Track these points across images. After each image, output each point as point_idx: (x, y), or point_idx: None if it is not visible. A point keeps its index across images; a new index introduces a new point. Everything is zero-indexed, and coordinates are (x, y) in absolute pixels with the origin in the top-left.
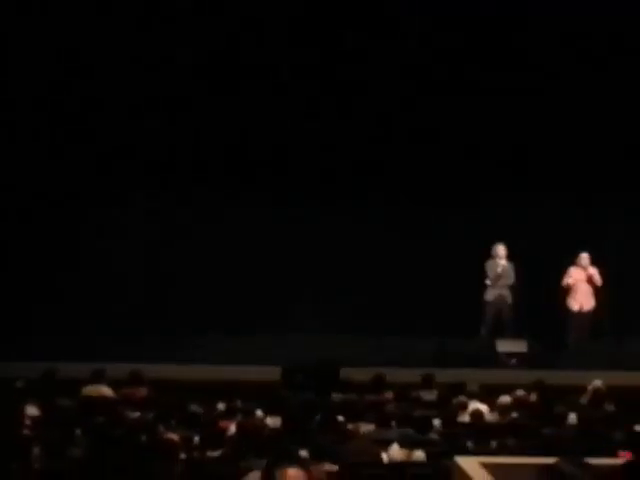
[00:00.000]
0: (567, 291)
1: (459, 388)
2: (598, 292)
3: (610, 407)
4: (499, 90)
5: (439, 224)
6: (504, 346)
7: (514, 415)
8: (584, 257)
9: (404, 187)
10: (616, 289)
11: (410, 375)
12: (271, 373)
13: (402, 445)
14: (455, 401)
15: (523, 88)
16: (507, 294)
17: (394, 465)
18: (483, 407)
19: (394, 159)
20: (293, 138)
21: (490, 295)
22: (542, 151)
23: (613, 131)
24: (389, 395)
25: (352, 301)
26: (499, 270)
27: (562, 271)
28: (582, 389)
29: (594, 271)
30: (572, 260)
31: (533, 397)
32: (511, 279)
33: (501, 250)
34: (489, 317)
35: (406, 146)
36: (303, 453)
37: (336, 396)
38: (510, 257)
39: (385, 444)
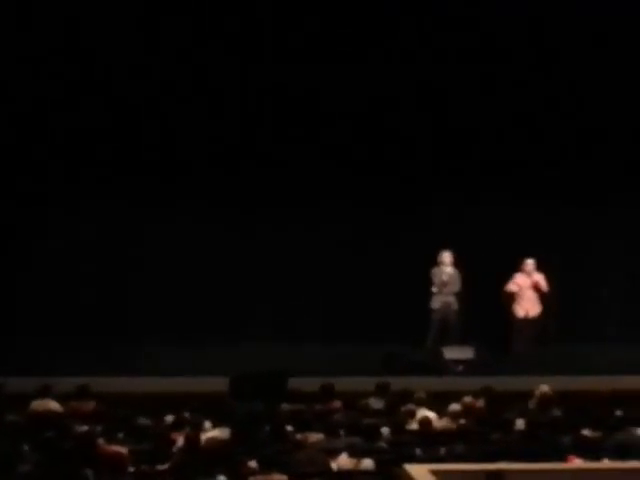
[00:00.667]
0: (512, 297)
1: (407, 396)
2: (544, 298)
3: (557, 412)
4: (440, 94)
5: (385, 232)
6: (451, 353)
7: (462, 422)
8: (529, 263)
9: (353, 196)
10: (561, 294)
11: (358, 384)
12: (220, 384)
13: (350, 454)
14: (403, 409)
15: (466, 87)
16: (453, 301)
17: (343, 474)
18: (431, 414)
19: (340, 167)
20: (242, 148)
21: (436, 302)
22: (486, 158)
23: (558, 135)
24: (337, 404)
25: (301, 310)
26: (445, 277)
27: (508, 277)
28: (529, 394)
29: (540, 277)
30: (518, 266)
31: (480, 403)
32: (457, 286)
33: (447, 257)
34: (435, 324)
35: (349, 154)
36: (252, 464)
37: (285, 406)
38: (456, 264)
39: (334, 453)
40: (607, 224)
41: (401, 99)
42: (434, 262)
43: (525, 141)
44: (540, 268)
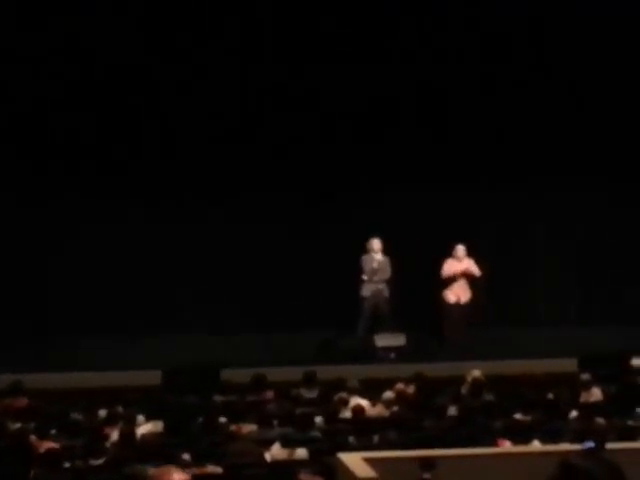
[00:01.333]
0: (444, 283)
1: (339, 384)
2: (475, 283)
3: (489, 396)
4: (355, 79)
5: (314, 220)
6: (382, 340)
7: (395, 409)
8: (460, 249)
9: (279, 186)
10: (491, 279)
11: (290, 373)
12: (153, 377)
13: (284, 444)
14: (336, 397)
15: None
16: (384, 288)
17: (277, 464)
18: (364, 402)
19: (268, 157)
20: (163, 143)
21: (366, 290)
22: (415, 144)
23: (487, 122)
24: (270, 395)
25: (231, 302)
26: (375, 265)
27: (439, 263)
28: (461, 380)
29: (470, 262)
30: (448, 252)
31: (412, 390)
32: (387, 273)
33: (376, 244)
34: (366, 312)
35: (277, 141)
36: (186, 456)
37: (217, 398)
38: (385, 251)
39: (267, 444)
40: (535, 208)
41: (321, 88)
42: (363, 249)
43: (452, 125)
44: (470, 253)
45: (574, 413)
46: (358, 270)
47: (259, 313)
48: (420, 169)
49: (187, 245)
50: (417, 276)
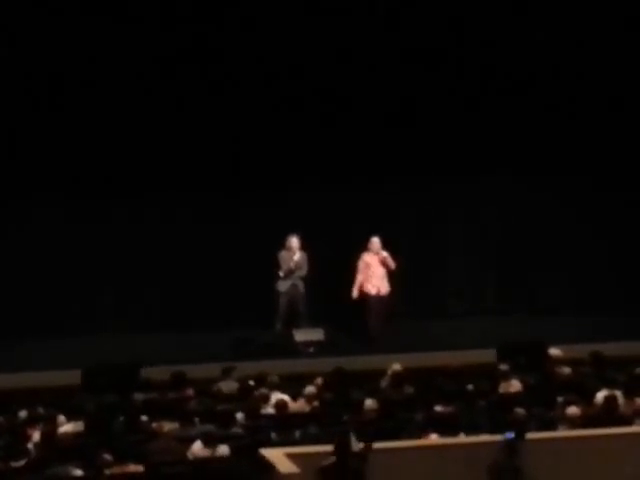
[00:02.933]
0: (362, 276)
1: (260, 380)
2: (392, 275)
3: (409, 389)
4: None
5: (228, 218)
6: (301, 335)
7: (315, 404)
8: (375, 241)
9: (194, 182)
10: (409, 273)
11: (210, 370)
12: (72, 377)
13: (206, 442)
14: (257, 393)
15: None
16: (300, 284)
17: (199, 462)
18: (285, 397)
19: (181, 152)
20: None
21: (282, 286)
22: (330, 139)
23: (402, 114)
24: (190, 392)
25: (149, 301)
26: (292, 265)
27: (355, 257)
28: (381, 373)
29: (386, 255)
30: (364, 245)
31: (332, 384)
32: (304, 270)
33: (294, 242)
34: (282, 308)
35: (189, 138)
36: (107, 456)
37: (138, 396)
38: (303, 247)
39: (189, 441)
40: (452, 204)
41: (247, 79)
42: (281, 246)
43: (369, 122)
44: (385, 246)
45: (493, 404)
46: (274, 266)
47: (177, 311)
48: (334, 165)
49: (104, 245)
50: (336, 271)
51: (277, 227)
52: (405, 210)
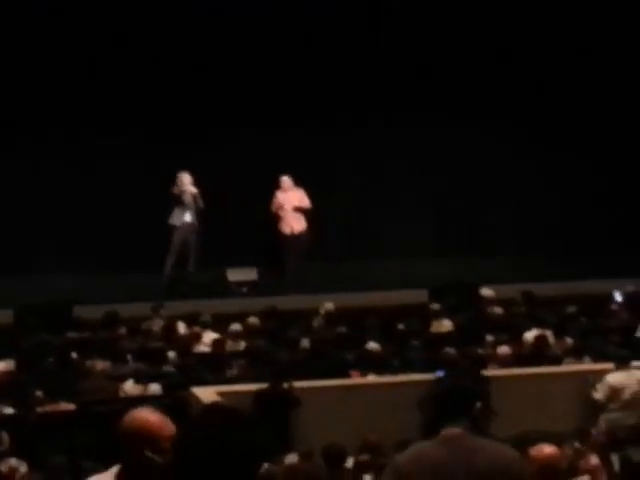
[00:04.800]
0: (277, 216)
1: (192, 319)
2: (307, 214)
3: (341, 328)
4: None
5: (154, 158)
6: (235, 275)
7: (248, 342)
8: (285, 180)
9: (116, 126)
10: (341, 212)
11: (142, 309)
12: (4, 316)
13: (137, 380)
14: (189, 332)
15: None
16: (194, 221)
17: (130, 400)
18: (217, 336)
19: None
20: None
21: (177, 221)
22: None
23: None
24: (122, 331)
25: (82, 239)
26: (189, 200)
27: (270, 197)
28: (314, 313)
29: (300, 193)
30: (276, 185)
31: (265, 323)
32: (200, 205)
33: (186, 178)
34: (175, 246)
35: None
36: (39, 394)
37: (70, 335)
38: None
39: (121, 380)
40: (393, 141)
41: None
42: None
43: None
44: (298, 184)
45: (424, 343)
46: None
47: (111, 251)
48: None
49: (40, 183)
50: (266, 210)
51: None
52: (348, 148)
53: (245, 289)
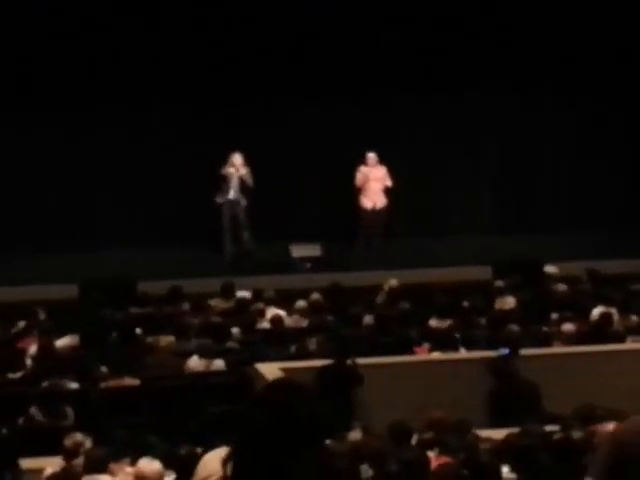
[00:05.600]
0: (359, 191)
1: (256, 295)
2: (388, 191)
3: (405, 305)
4: None
5: (219, 140)
6: (298, 251)
7: (311, 319)
8: (371, 156)
9: (171, 95)
10: (408, 188)
11: (206, 285)
12: (69, 291)
13: (201, 355)
14: (253, 308)
15: None
16: (241, 198)
17: (194, 376)
18: (281, 312)
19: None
20: None
21: (221, 198)
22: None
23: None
24: (186, 306)
25: (144, 216)
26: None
27: (352, 172)
28: (378, 289)
29: (383, 170)
30: (361, 160)
31: (328, 300)
32: (250, 184)
33: (237, 159)
34: (226, 223)
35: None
36: (103, 369)
37: (134, 310)
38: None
39: (185, 355)
40: (453, 118)
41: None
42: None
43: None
44: (383, 161)
45: (488, 320)
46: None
47: (176, 227)
48: (332, 83)
49: (102, 160)
50: (330, 185)
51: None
52: (403, 129)
53: (309, 265)
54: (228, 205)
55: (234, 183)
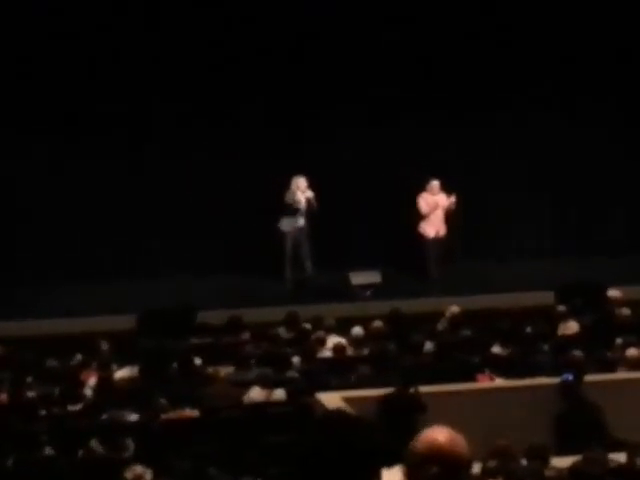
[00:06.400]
0: (421, 218)
1: (316, 323)
2: (450, 218)
3: (467, 332)
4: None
5: (281, 158)
6: (358, 278)
7: (372, 347)
8: (435, 184)
9: (239, 121)
10: (466, 215)
11: (266, 314)
12: (127, 321)
13: (262, 386)
14: (313, 337)
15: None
16: (305, 225)
17: (255, 406)
18: (342, 340)
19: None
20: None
21: (287, 226)
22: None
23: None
24: (246, 335)
25: (205, 243)
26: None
27: (413, 199)
28: (438, 316)
29: (445, 197)
30: (423, 187)
31: (389, 327)
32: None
33: (302, 182)
34: (289, 251)
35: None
36: (163, 401)
37: (193, 340)
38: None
39: (245, 386)
40: (507, 142)
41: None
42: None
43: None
44: (443, 188)
45: (552, 346)
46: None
47: (229, 255)
48: (379, 103)
49: (155, 186)
50: (391, 212)
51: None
52: (455, 149)
53: (369, 292)
54: (294, 233)
55: (301, 209)
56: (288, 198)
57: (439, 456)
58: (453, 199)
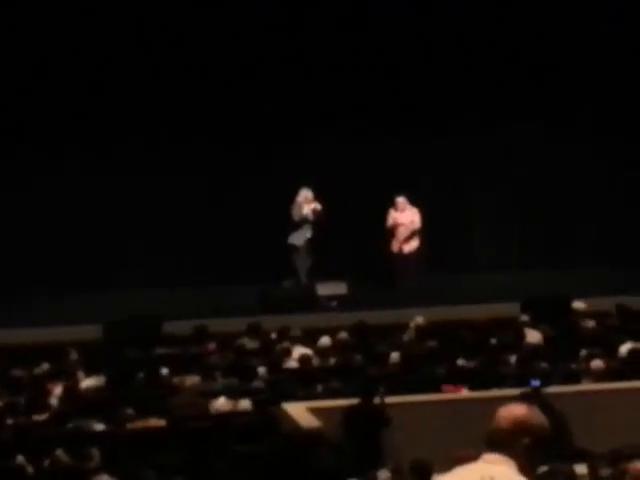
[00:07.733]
0: (389, 233)
1: (282, 333)
2: (417, 233)
3: (432, 343)
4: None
5: (248, 173)
6: (324, 289)
7: (338, 357)
8: (401, 200)
9: (208, 139)
10: (431, 227)
11: (232, 324)
12: (93, 331)
13: (228, 396)
14: (279, 347)
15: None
16: (311, 236)
17: (221, 416)
18: (308, 351)
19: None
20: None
21: (296, 239)
22: (348, 95)
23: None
24: (212, 346)
25: (170, 255)
26: (310, 215)
27: (382, 214)
28: (404, 327)
29: (414, 212)
30: (390, 203)
31: (355, 338)
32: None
33: (308, 195)
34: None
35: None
36: (129, 410)
37: (159, 350)
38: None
39: (211, 396)
40: (470, 153)
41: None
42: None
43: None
44: (412, 202)
45: (515, 357)
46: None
47: (195, 266)
48: (357, 119)
49: (120, 199)
50: (358, 225)
51: (293, 181)
52: (430, 162)
53: (335, 303)
54: (304, 245)
55: (309, 221)
56: (295, 211)
57: (526, 428)
58: (410, 214)
